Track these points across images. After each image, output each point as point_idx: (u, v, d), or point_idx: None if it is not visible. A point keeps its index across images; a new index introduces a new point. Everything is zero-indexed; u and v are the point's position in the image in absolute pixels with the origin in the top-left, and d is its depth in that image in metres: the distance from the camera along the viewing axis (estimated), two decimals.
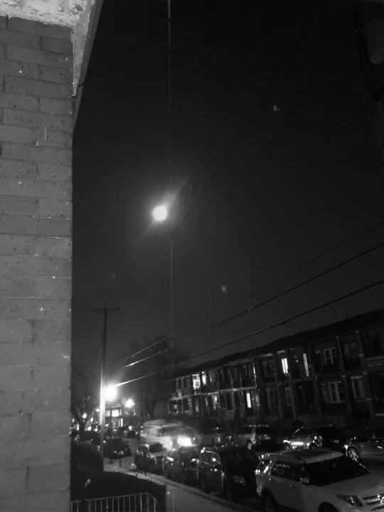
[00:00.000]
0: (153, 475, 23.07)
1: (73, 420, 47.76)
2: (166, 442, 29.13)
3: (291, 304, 62.46)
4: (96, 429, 56.49)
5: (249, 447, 27.81)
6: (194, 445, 27.48)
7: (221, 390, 54.40)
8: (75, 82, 2.26)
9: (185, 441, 29.81)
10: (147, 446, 27.68)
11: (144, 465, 25.90)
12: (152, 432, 33.30)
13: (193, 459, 20.08)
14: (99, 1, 2.01)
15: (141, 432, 33.71)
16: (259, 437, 30.44)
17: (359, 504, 10.34)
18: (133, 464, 28.31)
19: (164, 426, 33.59)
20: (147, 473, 23.61)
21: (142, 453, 27.17)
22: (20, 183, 1.87)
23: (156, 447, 27.27)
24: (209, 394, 57.90)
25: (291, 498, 12.31)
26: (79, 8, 2.10)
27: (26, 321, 1.70)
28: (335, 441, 24.46)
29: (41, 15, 2.12)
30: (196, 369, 61.36)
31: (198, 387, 61.18)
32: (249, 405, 50.58)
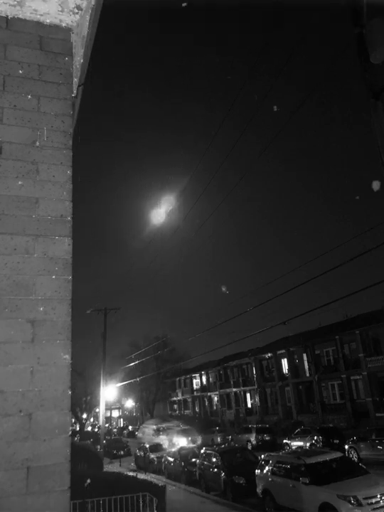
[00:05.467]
0: (153, 475, 23.04)
1: (73, 420, 47.76)
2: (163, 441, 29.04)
3: (291, 303, 62.45)
4: (96, 429, 56.45)
5: (249, 447, 27.78)
6: (194, 445, 27.45)
7: (221, 390, 54.37)
8: (75, 82, 2.26)
9: (182, 442, 29.67)
10: (147, 446, 27.68)
11: (143, 465, 25.89)
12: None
13: (193, 459, 20.07)
14: (99, 1, 2.01)
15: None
16: (259, 437, 30.43)
17: (359, 504, 10.33)
18: (133, 464, 28.30)
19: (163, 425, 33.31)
20: (147, 473, 23.59)
21: (142, 453, 27.15)
22: (20, 183, 1.87)
23: (156, 447, 27.27)
24: (209, 394, 57.88)
25: (291, 498, 12.31)
26: (79, 8, 2.10)
27: (26, 321, 1.70)
28: (335, 441, 24.45)
29: (41, 15, 2.12)
30: (196, 369, 61.34)
31: (198, 387, 61.16)
32: (249, 405, 50.57)
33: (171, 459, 22.20)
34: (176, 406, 67.56)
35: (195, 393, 61.54)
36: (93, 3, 2.00)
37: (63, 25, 2.19)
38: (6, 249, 1.75)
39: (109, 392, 33.92)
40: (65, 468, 1.61)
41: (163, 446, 27.54)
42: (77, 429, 48.45)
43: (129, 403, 72.20)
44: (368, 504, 10.37)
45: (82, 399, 48.06)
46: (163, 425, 34.72)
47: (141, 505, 10.61)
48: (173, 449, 24.27)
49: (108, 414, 44.45)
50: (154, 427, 34.63)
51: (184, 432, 32.16)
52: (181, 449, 23.51)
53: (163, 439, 30.16)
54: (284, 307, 70.17)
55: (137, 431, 39.75)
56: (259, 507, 13.91)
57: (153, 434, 32.93)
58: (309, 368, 41.39)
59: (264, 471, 14.04)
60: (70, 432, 1.68)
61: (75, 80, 2.27)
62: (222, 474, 16.18)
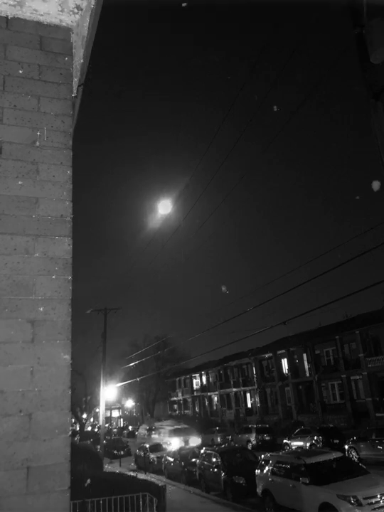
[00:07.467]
0: (153, 475, 23.05)
1: (73, 420, 47.78)
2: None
3: (291, 303, 62.46)
4: (96, 429, 56.47)
5: (249, 447, 27.80)
6: (194, 445, 27.46)
7: (221, 390, 54.38)
8: (75, 82, 2.26)
9: (174, 441, 29.61)
10: (147, 446, 27.70)
11: (143, 465, 25.90)
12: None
13: (193, 459, 20.08)
14: (99, 1, 2.01)
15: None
16: (259, 437, 30.43)
17: (359, 504, 10.33)
18: (133, 464, 28.31)
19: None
20: (147, 473, 23.60)
21: (142, 453, 27.17)
22: (20, 183, 1.87)
23: (156, 447, 27.28)
24: (209, 394, 57.89)
25: (291, 498, 12.31)
26: (79, 8, 2.10)
27: (26, 321, 1.70)
28: (335, 441, 24.44)
29: (41, 15, 2.12)
30: (196, 369, 61.35)
31: (198, 387, 61.17)
32: (249, 405, 50.57)
33: (171, 459, 22.21)
34: (176, 406, 67.56)
35: (195, 393, 61.53)
36: (93, 3, 2.00)
37: (63, 25, 2.19)
38: (6, 249, 1.75)
39: (109, 392, 33.91)
40: (65, 468, 1.61)
41: (163, 446, 27.57)
42: (77, 429, 48.45)
43: (129, 403, 72.18)
44: (368, 504, 10.38)
45: (82, 399, 48.06)
46: (156, 425, 35.07)
47: (141, 505, 10.61)
48: (173, 449, 24.29)
49: (108, 414, 44.40)
50: (147, 427, 35.16)
51: (178, 431, 31.43)
52: (181, 449, 23.53)
53: (155, 439, 30.36)
54: (284, 307, 70.28)
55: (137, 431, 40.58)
56: (259, 507, 13.92)
57: (146, 434, 33.37)
58: (309, 368, 41.40)
59: (264, 471, 14.04)
60: (70, 432, 1.68)
61: (75, 80, 2.27)
62: (222, 474, 16.19)
